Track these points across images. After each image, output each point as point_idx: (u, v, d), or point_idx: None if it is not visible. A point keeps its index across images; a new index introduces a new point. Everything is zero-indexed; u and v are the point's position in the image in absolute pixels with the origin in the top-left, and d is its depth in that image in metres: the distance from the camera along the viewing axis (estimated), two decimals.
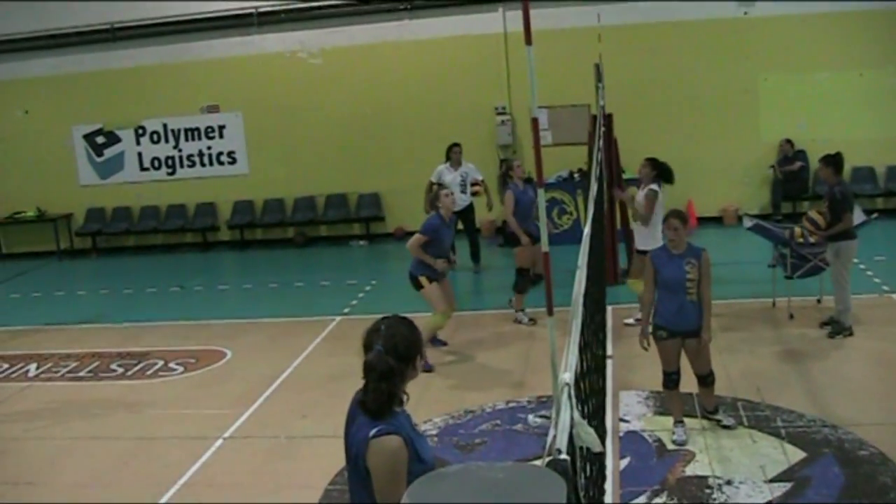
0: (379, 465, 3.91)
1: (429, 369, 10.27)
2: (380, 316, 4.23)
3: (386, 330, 4.08)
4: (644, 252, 10.42)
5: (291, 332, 12.95)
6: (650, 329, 8.27)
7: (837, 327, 10.78)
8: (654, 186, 10.99)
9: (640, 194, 11.17)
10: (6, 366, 12.43)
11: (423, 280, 10.77)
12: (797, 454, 7.75)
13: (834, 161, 10.73)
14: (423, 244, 10.70)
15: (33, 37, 20.04)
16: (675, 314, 8.05)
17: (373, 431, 3.92)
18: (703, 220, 17.76)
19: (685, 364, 8.28)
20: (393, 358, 3.99)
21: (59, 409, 10.61)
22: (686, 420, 8.37)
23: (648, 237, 10.81)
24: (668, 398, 8.51)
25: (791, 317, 11.55)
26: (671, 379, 8.25)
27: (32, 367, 12.31)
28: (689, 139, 17.46)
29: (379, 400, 3.98)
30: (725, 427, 8.34)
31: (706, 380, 8.31)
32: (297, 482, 8.10)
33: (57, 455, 9.24)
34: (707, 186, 17.55)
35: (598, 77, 13.90)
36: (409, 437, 3.95)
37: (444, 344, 11.56)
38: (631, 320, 11.59)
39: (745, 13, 17.71)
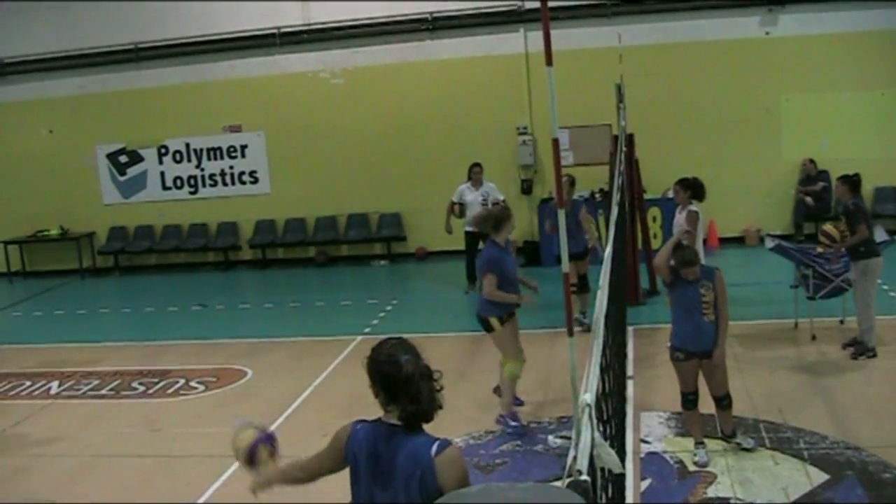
0: (456, 476, 3.92)
1: (519, 404, 9.56)
2: (403, 336, 4.24)
3: (399, 343, 4.10)
4: None
5: (312, 352, 12.96)
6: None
7: (861, 348, 10.72)
8: (693, 207, 10.98)
9: (679, 216, 11.14)
10: (28, 383, 12.49)
11: (494, 322, 9.22)
12: (820, 476, 7.69)
13: (851, 180, 10.74)
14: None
15: (58, 57, 20.20)
16: (691, 335, 8.03)
17: (434, 448, 3.93)
18: (725, 241, 17.71)
19: (706, 387, 8.24)
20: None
21: (81, 426, 10.65)
22: (707, 441, 8.33)
23: None
24: (687, 419, 8.47)
25: (813, 338, 11.48)
26: (689, 400, 8.22)
27: (55, 384, 12.36)
28: (710, 159, 17.40)
29: (432, 399, 4.03)
30: (745, 449, 8.29)
31: (722, 402, 8.25)
32: (318, 500, 8.07)
33: (78, 472, 9.27)
34: (729, 207, 17.48)
35: (620, 97, 13.90)
36: None
37: (521, 403, 9.75)
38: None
39: (767, 33, 17.69)
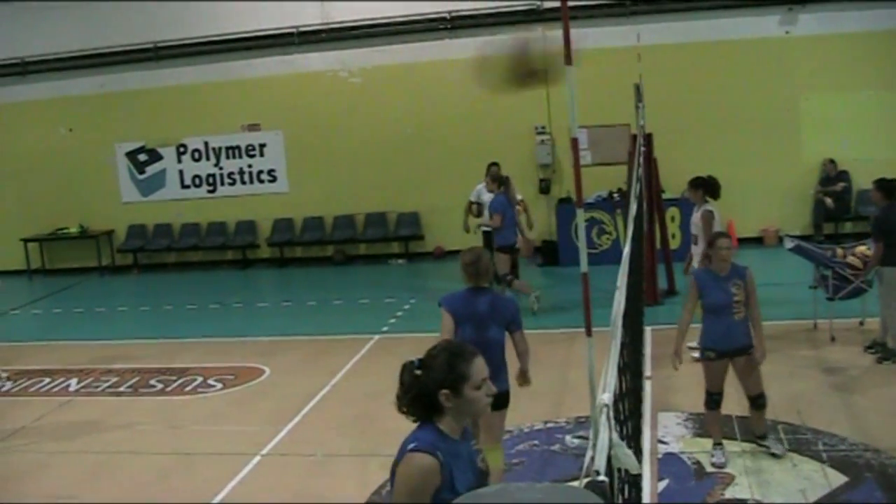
0: (397, 483, 3.87)
1: None
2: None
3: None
4: None
5: (330, 350, 12.98)
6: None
7: (885, 352, 10.62)
8: (708, 207, 10.93)
9: (695, 215, 11.09)
10: (48, 380, 12.54)
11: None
12: (838, 479, 7.66)
13: (887, 186, 10.60)
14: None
15: (78, 56, 20.29)
16: (722, 335, 7.98)
17: (411, 445, 3.87)
18: (744, 241, 17.63)
19: (729, 386, 8.20)
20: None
21: (100, 423, 10.68)
22: (725, 442, 8.30)
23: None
24: (708, 419, 8.41)
25: (833, 339, 11.44)
26: (713, 399, 8.17)
27: (73, 381, 12.41)
28: (729, 159, 17.31)
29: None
30: (774, 455, 8.18)
31: (757, 401, 8.18)
32: (334, 500, 8.10)
33: (97, 469, 9.31)
34: (748, 207, 17.42)
35: (639, 96, 13.87)
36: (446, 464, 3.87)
37: None
38: (693, 343, 11.43)
39: (787, 32, 17.61)
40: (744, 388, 8.18)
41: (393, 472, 3.88)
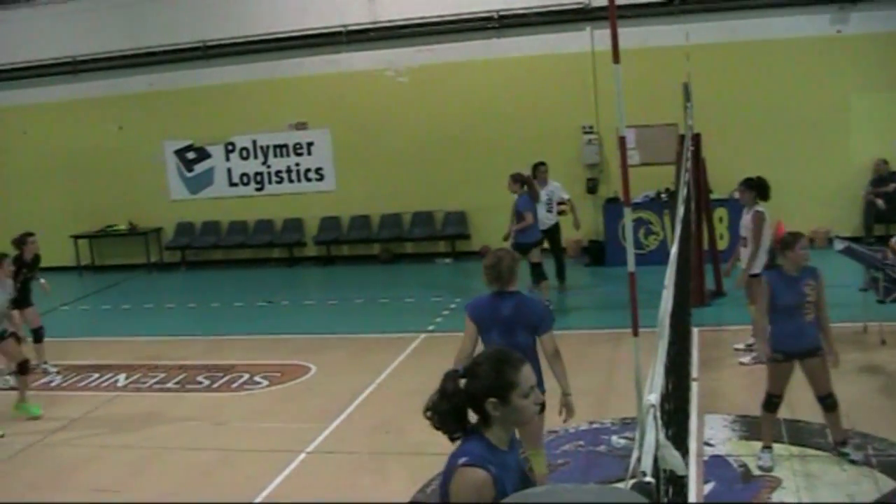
0: (457, 496, 3.75)
1: None
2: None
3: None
4: (758, 276, 10.33)
5: (375, 349, 13.00)
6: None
7: None
8: (759, 208, 10.81)
9: (747, 217, 10.96)
10: (96, 375, 12.66)
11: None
12: (888, 484, 7.53)
13: None
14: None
15: (128, 55, 20.50)
16: (793, 336, 7.83)
17: (462, 460, 3.76)
18: None
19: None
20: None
21: (146, 419, 10.77)
22: (773, 446, 8.19)
23: (759, 259, 10.64)
24: (764, 421, 8.23)
25: (883, 342, 11.28)
26: (773, 402, 8.02)
27: (121, 377, 12.52)
28: (778, 159, 17.12)
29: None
30: (853, 462, 7.97)
31: (827, 401, 7.98)
32: (379, 498, 8.10)
33: (142, 464, 9.39)
34: (796, 208, 17.14)
35: (687, 96, 13.76)
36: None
37: None
38: (741, 345, 11.33)
39: (839, 31, 17.39)
40: (813, 390, 8.01)
41: (443, 491, 3.81)
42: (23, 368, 10.93)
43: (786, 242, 8.05)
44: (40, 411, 11.01)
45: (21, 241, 12.45)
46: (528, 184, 14.16)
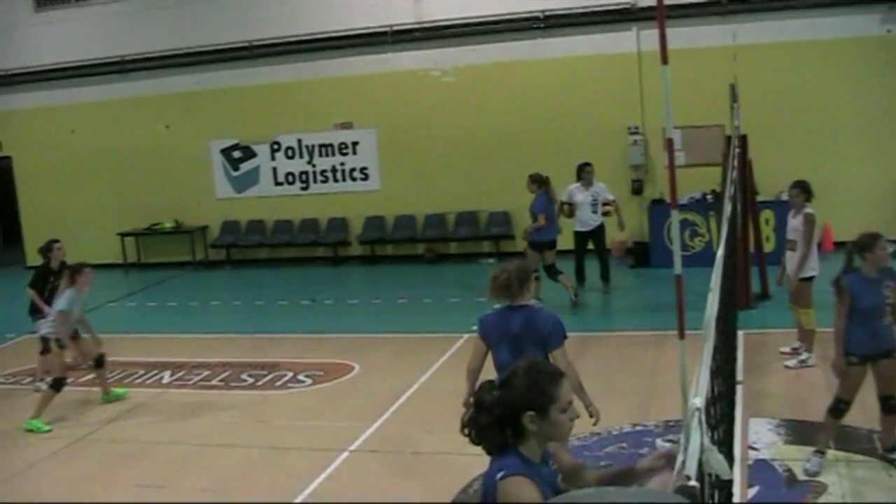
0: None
1: None
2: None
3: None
4: (808, 279, 10.19)
5: (419, 348, 12.98)
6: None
7: None
8: (808, 209, 10.66)
9: (796, 220, 10.80)
10: (142, 372, 12.76)
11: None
12: None
13: None
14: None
15: (175, 54, 20.67)
16: (869, 339, 7.65)
17: (500, 474, 3.72)
18: (840, 245, 17.23)
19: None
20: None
21: (190, 415, 10.83)
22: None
23: (809, 263, 10.50)
24: (827, 426, 8.06)
25: None
26: (841, 409, 7.86)
27: (167, 374, 12.61)
28: (825, 161, 16.93)
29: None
30: None
31: (889, 402, 7.81)
32: (422, 498, 8.08)
33: (186, 460, 9.44)
34: (844, 210, 16.95)
35: (734, 97, 13.64)
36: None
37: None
38: (787, 349, 11.20)
39: (889, 31, 17.14)
40: (879, 388, 7.82)
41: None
42: (99, 362, 11.41)
43: (864, 244, 7.87)
44: (127, 393, 11.73)
45: (47, 249, 12.19)
46: (545, 185, 14.56)
